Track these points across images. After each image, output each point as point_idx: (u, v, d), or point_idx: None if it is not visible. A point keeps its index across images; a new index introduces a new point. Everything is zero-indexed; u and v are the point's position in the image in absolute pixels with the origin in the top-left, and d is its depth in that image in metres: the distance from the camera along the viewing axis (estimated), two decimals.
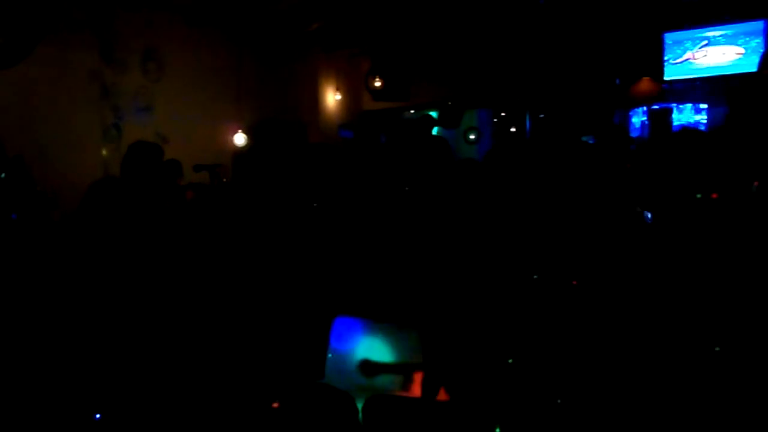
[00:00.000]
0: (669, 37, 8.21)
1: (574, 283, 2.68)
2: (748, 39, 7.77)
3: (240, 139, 7.01)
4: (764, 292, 2.24)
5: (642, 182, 3.01)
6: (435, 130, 6.63)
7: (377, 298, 2.63)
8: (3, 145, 2.72)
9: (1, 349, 2.30)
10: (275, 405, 2.11)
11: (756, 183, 2.76)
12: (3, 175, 2.78)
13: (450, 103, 9.27)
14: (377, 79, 8.92)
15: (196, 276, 2.74)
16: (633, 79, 8.44)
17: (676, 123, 8.25)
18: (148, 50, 6.36)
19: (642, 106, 8.66)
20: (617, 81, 8.57)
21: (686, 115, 8.44)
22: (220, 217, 3.29)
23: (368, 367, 2.29)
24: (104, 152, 5.86)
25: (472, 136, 9.47)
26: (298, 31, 7.81)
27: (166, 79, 6.51)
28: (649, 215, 2.78)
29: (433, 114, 8.03)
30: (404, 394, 2.24)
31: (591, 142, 6.02)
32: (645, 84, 8.37)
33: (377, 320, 2.36)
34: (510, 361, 2.36)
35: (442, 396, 2.23)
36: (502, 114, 9.92)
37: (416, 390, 2.24)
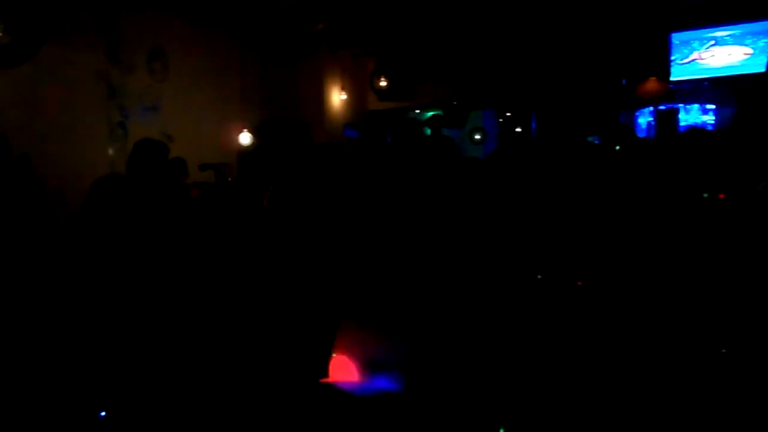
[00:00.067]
0: (676, 37, 8.17)
1: (579, 283, 2.67)
2: (755, 39, 7.73)
3: (245, 138, 7.03)
4: None
5: (648, 183, 3.00)
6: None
7: (380, 299, 2.62)
8: (8, 144, 2.73)
9: (8, 348, 2.30)
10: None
11: (763, 183, 2.75)
12: (10, 173, 2.79)
13: (455, 103, 9.27)
14: (382, 79, 8.92)
15: (200, 274, 2.74)
16: (639, 79, 8.40)
17: (682, 123, 8.22)
18: (153, 50, 6.38)
19: (648, 106, 8.63)
20: (624, 81, 8.54)
21: (693, 115, 8.40)
22: (225, 215, 3.29)
23: (375, 366, 2.29)
24: (110, 151, 5.88)
25: (477, 136, 9.46)
26: (303, 30, 7.82)
27: (172, 79, 6.52)
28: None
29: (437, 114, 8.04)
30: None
31: (597, 142, 6.00)
32: (651, 84, 8.34)
33: (380, 321, 2.36)
34: (512, 360, 2.35)
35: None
36: (508, 114, 9.90)
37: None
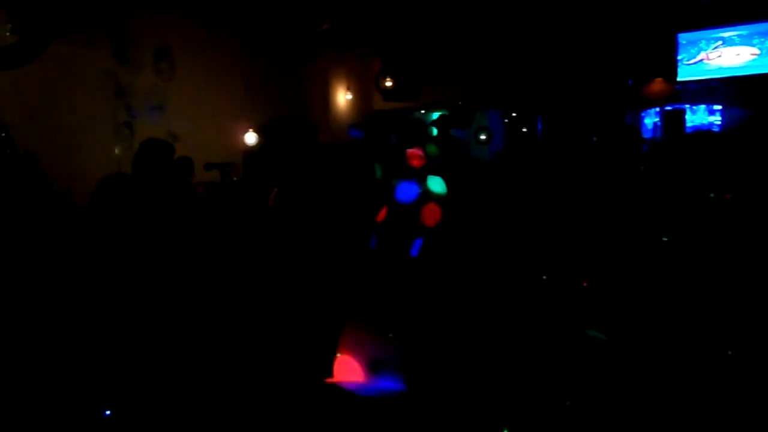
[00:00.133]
0: (683, 38, 8.12)
1: (585, 284, 2.66)
2: (763, 39, 7.68)
3: (251, 138, 7.04)
4: None
5: (656, 183, 2.99)
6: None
7: (383, 299, 2.62)
8: (14, 143, 2.74)
9: (14, 346, 2.31)
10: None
11: None
12: (16, 172, 2.81)
13: (461, 103, 9.25)
14: (388, 79, 8.91)
15: (206, 273, 2.74)
16: (645, 79, 8.36)
17: (689, 124, 8.18)
18: (160, 50, 6.40)
19: (655, 107, 8.58)
20: (630, 81, 8.50)
21: (700, 116, 8.35)
22: (230, 215, 3.30)
23: (378, 366, 2.29)
24: (117, 151, 5.90)
25: (483, 137, 9.42)
26: (308, 31, 7.82)
27: (178, 79, 6.55)
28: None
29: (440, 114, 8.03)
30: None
31: (602, 143, 5.98)
32: (658, 85, 8.29)
33: (384, 321, 2.36)
34: (516, 360, 2.35)
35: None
36: (513, 114, 9.88)
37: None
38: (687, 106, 8.31)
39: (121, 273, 2.53)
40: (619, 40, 8.00)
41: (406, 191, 3.30)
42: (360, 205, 3.37)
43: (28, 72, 4.87)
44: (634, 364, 2.29)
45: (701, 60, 8.06)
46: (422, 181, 3.43)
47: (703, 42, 8.02)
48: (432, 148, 4.69)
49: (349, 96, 9.70)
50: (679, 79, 8.19)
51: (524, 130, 9.60)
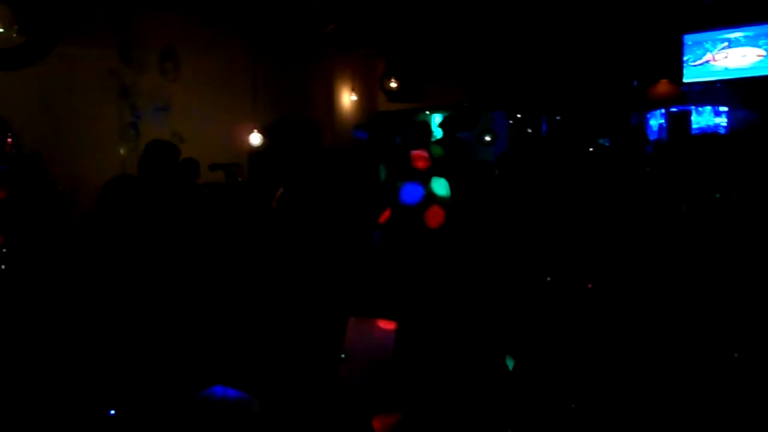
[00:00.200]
0: (688, 39, 8.10)
1: (590, 286, 2.65)
2: None
3: (255, 138, 7.05)
4: None
5: (661, 184, 2.98)
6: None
7: (388, 300, 2.62)
8: (19, 143, 2.75)
9: (20, 346, 2.32)
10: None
11: None
12: (22, 172, 2.82)
13: (465, 104, 9.25)
14: (392, 80, 8.91)
15: (211, 274, 2.75)
16: (651, 80, 8.33)
17: (694, 126, 8.14)
18: (165, 50, 6.42)
19: (660, 108, 8.55)
20: (635, 83, 8.47)
21: (706, 117, 8.32)
22: (235, 215, 3.31)
23: (381, 367, 2.29)
24: (122, 151, 5.92)
25: (487, 138, 9.41)
26: (313, 31, 7.83)
27: (183, 79, 6.56)
28: None
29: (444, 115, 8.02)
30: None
31: (607, 144, 5.97)
32: (663, 86, 8.25)
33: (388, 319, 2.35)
34: (521, 362, 2.34)
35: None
36: (518, 116, 9.87)
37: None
38: (692, 107, 8.28)
39: (128, 274, 2.53)
40: (624, 41, 7.98)
41: (411, 193, 3.30)
42: (364, 205, 3.37)
43: (35, 72, 4.89)
44: (639, 366, 2.28)
45: (707, 61, 8.03)
46: (426, 184, 3.43)
47: (709, 43, 7.99)
48: (437, 150, 4.70)
49: (354, 97, 9.70)
50: (684, 80, 8.16)
51: (529, 131, 9.58)
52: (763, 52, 7.67)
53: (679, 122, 8.03)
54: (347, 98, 9.66)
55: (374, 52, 9.37)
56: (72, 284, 2.49)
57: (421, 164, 3.54)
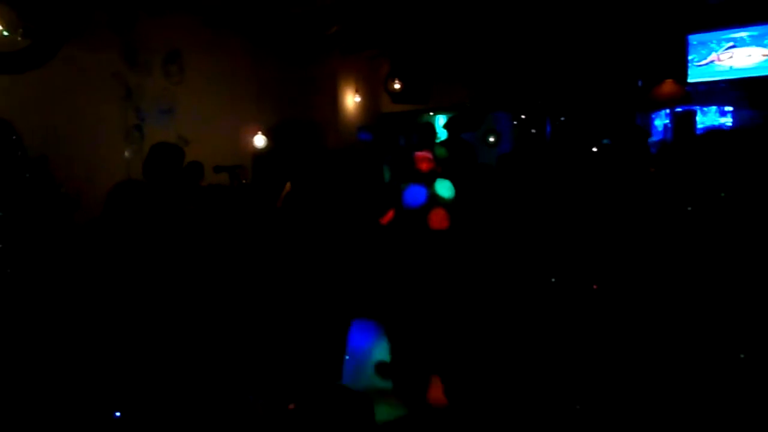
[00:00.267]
0: (693, 39, 8.08)
1: (594, 287, 2.64)
2: None
3: (260, 140, 7.06)
4: None
5: (667, 185, 2.96)
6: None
7: (391, 301, 2.62)
8: (24, 146, 2.76)
9: (24, 349, 2.33)
10: (291, 406, 2.11)
11: None
12: (27, 175, 2.82)
13: (469, 105, 9.24)
14: (396, 82, 8.91)
15: (216, 277, 2.75)
16: (656, 80, 8.31)
17: (699, 126, 8.12)
18: (170, 53, 6.43)
19: (665, 108, 8.53)
20: (639, 83, 8.45)
21: (710, 117, 8.30)
22: (240, 217, 3.31)
23: (385, 368, 2.28)
24: (126, 154, 5.93)
25: (491, 139, 9.40)
26: (317, 33, 7.84)
27: (188, 82, 6.57)
28: None
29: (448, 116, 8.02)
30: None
31: (608, 144, 5.95)
32: (668, 86, 8.23)
33: (392, 322, 2.35)
34: (525, 363, 2.34)
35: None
36: (522, 117, 9.85)
37: (433, 392, 2.24)
38: (697, 107, 8.26)
39: (134, 277, 2.54)
40: (628, 40, 7.96)
41: (414, 195, 3.29)
42: (368, 207, 3.37)
43: (39, 75, 4.91)
44: (644, 368, 2.27)
45: (712, 61, 8.00)
46: (430, 186, 3.42)
47: (714, 43, 7.96)
48: (441, 151, 4.69)
49: (358, 98, 9.71)
50: (689, 80, 8.14)
51: (533, 131, 9.57)
52: None
53: (683, 122, 8.01)
54: (351, 100, 9.67)
55: (378, 54, 9.38)
56: (77, 287, 2.49)
57: (424, 166, 3.54)
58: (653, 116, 8.86)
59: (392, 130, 10.04)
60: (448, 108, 9.55)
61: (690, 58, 8.09)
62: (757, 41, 7.71)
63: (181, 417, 2.30)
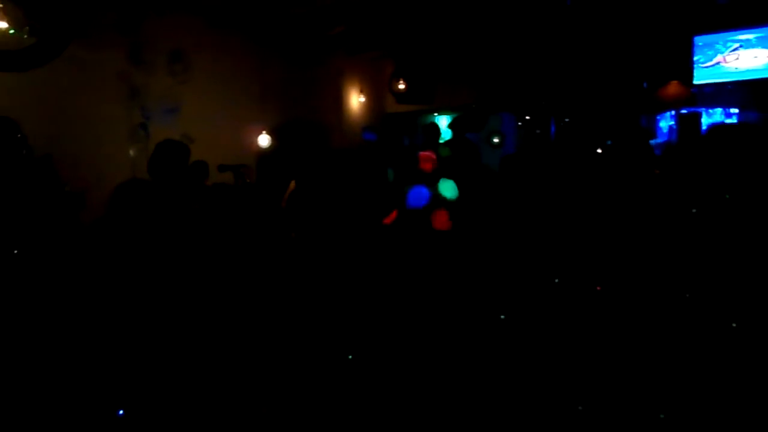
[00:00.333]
0: (699, 40, 8.05)
1: (599, 288, 2.64)
2: None
3: (264, 140, 7.07)
4: None
5: (671, 186, 2.95)
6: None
7: (397, 301, 2.62)
8: (29, 145, 2.77)
9: (31, 347, 2.33)
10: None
11: None
12: (32, 173, 2.84)
13: (474, 106, 9.23)
14: (401, 82, 8.91)
15: (218, 275, 2.75)
16: (661, 82, 8.28)
17: (704, 128, 8.09)
18: (175, 52, 6.44)
19: (670, 110, 8.50)
20: (644, 84, 8.42)
21: (716, 119, 8.27)
22: (244, 217, 3.31)
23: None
24: (131, 152, 5.94)
25: (495, 140, 9.39)
26: (322, 34, 7.85)
27: (193, 81, 6.58)
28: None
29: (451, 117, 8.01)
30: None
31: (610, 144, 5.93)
32: (673, 88, 8.20)
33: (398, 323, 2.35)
34: (528, 364, 2.33)
35: None
36: (527, 118, 9.84)
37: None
38: (703, 109, 8.22)
39: (140, 276, 2.54)
40: (634, 42, 7.93)
41: (418, 197, 3.29)
42: (372, 207, 3.37)
43: (45, 74, 4.92)
44: (648, 369, 2.26)
45: (718, 63, 7.97)
46: (433, 186, 3.42)
47: (720, 44, 7.93)
48: (445, 151, 4.68)
49: (362, 99, 9.71)
50: (695, 82, 8.11)
51: (537, 132, 9.55)
52: None
53: (689, 124, 7.98)
54: (355, 100, 9.67)
55: (382, 54, 9.38)
56: (83, 285, 2.50)
57: (428, 166, 3.53)
58: (658, 118, 8.83)
59: (396, 130, 10.04)
60: (453, 108, 9.54)
61: (696, 59, 8.06)
62: (763, 42, 7.68)
63: (185, 415, 2.31)
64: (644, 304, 2.48)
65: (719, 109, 8.27)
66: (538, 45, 8.23)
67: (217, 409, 2.31)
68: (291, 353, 2.49)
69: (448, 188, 3.36)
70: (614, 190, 3.20)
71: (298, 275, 2.74)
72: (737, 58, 7.85)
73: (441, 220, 3.10)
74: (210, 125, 6.55)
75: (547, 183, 3.38)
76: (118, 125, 5.86)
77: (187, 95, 6.49)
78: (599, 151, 5.50)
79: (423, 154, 3.65)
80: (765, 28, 7.65)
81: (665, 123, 8.78)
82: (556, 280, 2.68)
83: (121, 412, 2.25)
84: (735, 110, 8.20)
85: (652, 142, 8.14)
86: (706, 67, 8.04)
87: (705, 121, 8.15)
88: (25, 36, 4.56)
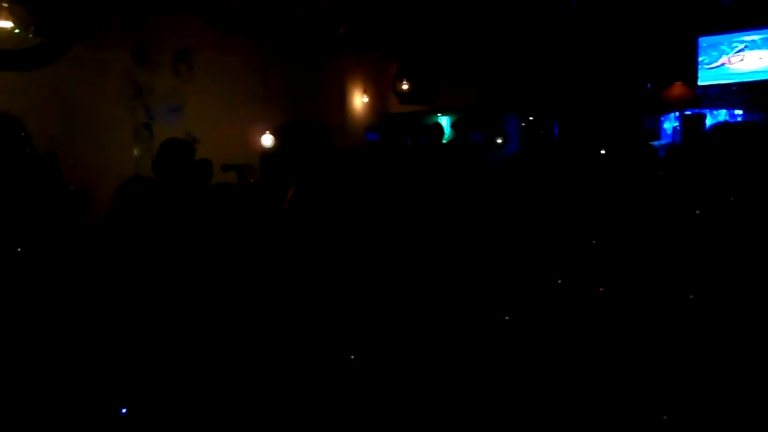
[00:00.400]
0: (704, 41, 8.03)
1: (601, 290, 2.63)
2: None
3: (268, 140, 7.08)
4: None
5: (675, 187, 2.95)
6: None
7: (397, 302, 2.62)
8: (33, 143, 2.78)
9: (33, 346, 2.34)
10: None
11: None
12: (36, 172, 2.84)
13: (478, 106, 9.23)
14: (404, 82, 8.92)
15: (221, 276, 2.76)
16: (665, 83, 8.26)
17: (707, 127, 8.07)
18: (179, 52, 6.46)
19: (674, 111, 8.48)
20: (648, 85, 8.40)
21: (720, 121, 8.24)
22: (247, 217, 3.31)
23: None
24: (135, 152, 5.96)
25: (499, 140, 9.39)
26: (325, 34, 7.85)
27: (197, 81, 6.60)
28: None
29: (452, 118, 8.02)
30: None
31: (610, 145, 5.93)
32: (677, 89, 8.18)
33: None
34: (530, 365, 2.33)
35: None
36: (531, 118, 9.83)
37: None
38: (707, 110, 8.20)
39: (144, 275, 2.55)
40: (638, 42, 7.92)
41: None
42: (376, 207, 3.37)
43: (50, 73, 4.94)
44: (651, 371, 2.26)
45: (723, 64, 7.95)
46: None
47: (725, 45, 7.91)
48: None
49: (366, 99, 9.72)
50: (699, 83, 8.09)
51: (541, 132, 9.55)
52: None
53: (693, 125, 7.96)
54: (359, 100, 9.68)
55: (386, 54, 9.39)
56: (87, 284, 2.51)
57: None
58: (662, 119, 8.81)
59: (400, 130, 10.04)
60: (456, 109, 9.55)
61: (700, 60, 8.04)
62: None
63: (189, 413, 2.31)
64: (647, 305, 2.47)
65: (724, 111, 8.25)
66: (542, 45, 8.21)
67: (220, 407, 2.32)
68: (294, 352, 2.49)
69: None
70: (617, 191, 3.20)
71: (300, 275, 2.74)
72: (742, 60, 7.82)
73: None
74: (214, 125, 6.56)
75: (550, 183, 3.38)
76: (122, 125, 5.88)
77: (191, 95, 6.51)
78: (603, 152, 5.49)
79: None
80: None
81: (669, 124, 8.76)
82: (559, 281, 2.68)
83: (124, 410, 2.26)
84: (739, 112, 8.18)
85: (656, 143, 8.13)
86: (711, 68, 8.02)
87: (709, 122, 8.13)
88: (30, 35, 4.57)
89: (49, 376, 2.27)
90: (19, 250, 2.49)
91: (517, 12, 7.22)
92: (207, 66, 6.73)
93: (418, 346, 2.45)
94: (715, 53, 7.98)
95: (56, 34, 4.68)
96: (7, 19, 4.37)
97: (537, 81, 8.84)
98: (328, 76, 8.88)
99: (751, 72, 7.79)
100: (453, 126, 6.42)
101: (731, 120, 8.17)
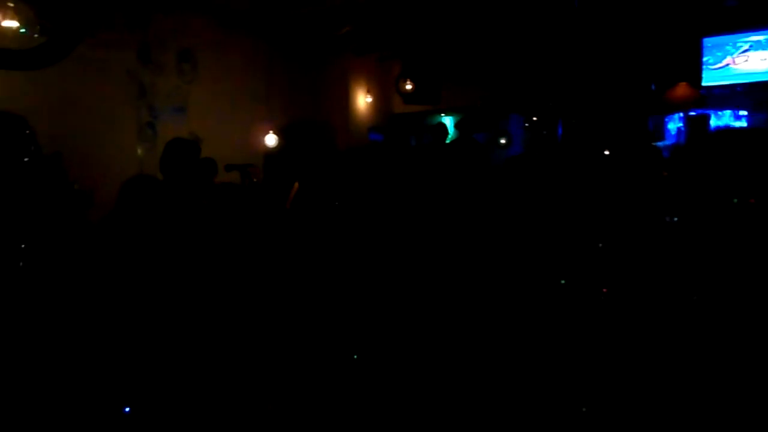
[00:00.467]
0: (708, 41, 8.00)
1: (605, 290, 2.63)
2: None
3: (271, 139, 7.08)
4: None
5: (678, 188, 2.94)
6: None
7: (398, 302, 2.62)
8: (38, 142, 2.78)
9: (37, 345, 2.35)
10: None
11: None
12: (40, 171, 2.85)
13: (481, 106, 9.22)
14: (408, 82, 8.92)
15: (224, 274, 2.76)
16: (669, 84, 8.24)
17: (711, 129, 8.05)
18: (183, 51, 6.47)
19: (679, 112, 8.45)
20: (653, 86, 8.38)
21: (725, 121, 8.22)
22: (250, 216, 3.32)
23: None
24: (139, 151, 5.97)
25: (502, 141, 9.38)
26: (329, 34, 7.86)
27: (201, 80, 6.61)
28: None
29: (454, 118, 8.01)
30: None
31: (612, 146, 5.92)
32: (682, 89, 8.16)
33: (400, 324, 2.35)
34: (533, 365, 2.33)
35: None
36: (534, 119, 9.82)
37: None
38: (712, 111, 8.18)
39: (147, 273, 2.55)
40: (642, 43, 7.90)
41: None
42: (379, 206, 3.37)
43: (54, 72, 4.95)
44: (653, 371, 2.25)
45: (727, 64, 7.93)
46: None
47: (729, 46, 7.89)
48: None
49: (369, 99, 9.72)
50: (703, 83, 8.06)
51: (544, 133, 9.53)
52: None
53: (697, 126, 7.94)
54: (362, 100, 9.67)
55: (390, 54, 9.38)
56: (90, 283, 2.51)
57: None
58: (667, 120, 8.79)
59: (403, 130, 10.04)
60: (460, 109, 9.54)
61: (704, 60, 8.02)
62: None
63: (192, 412, 2.31)
64: (651, 306, 2.47)
65: (728, 111, 8.23)
66: (546, 46, 8.20)
67: (223, 406, 2.32)
68: (296, 352, 2.49)
69: None
70: (621, 192, 3.20)
71: (302, 275, 2.75)
72: (746, 60, 7.80)
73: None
74: (217, 124, 6.57)
75: (553, 184, 3.37)
76: (126, 124, 5.89)
77: (195, 94, 6.52)
78: (606, 152, 5.48)
79: None
80: None
81: (673, 125, 8.74)
82: (563, 282, 2.68)
83: (127, 409, 2.27)
84: (744, 112, 8.15)
85: (660, 144, 8.11)
86: (715, 68, 8.00)
87: (713, 123, 8.11)
88: (36, 35, 4.59)
89: (54, 375, 2.28)
90: (23, 247, 2.50)
91: (521, 12, 7.21)
92: (210, 66, 6.74)
93: (422, 345, 2.45)
94: (719, 54, 7.95)
95: (61, 33, 4.69)
96: (12, 18, 4.39)
97: (540, 81, 8.83)
98: (331, 76, 8.88)
99: (755, 72, 7.77)
100: (456, 126, 6.41)
101: (736, 120, 8.15)
